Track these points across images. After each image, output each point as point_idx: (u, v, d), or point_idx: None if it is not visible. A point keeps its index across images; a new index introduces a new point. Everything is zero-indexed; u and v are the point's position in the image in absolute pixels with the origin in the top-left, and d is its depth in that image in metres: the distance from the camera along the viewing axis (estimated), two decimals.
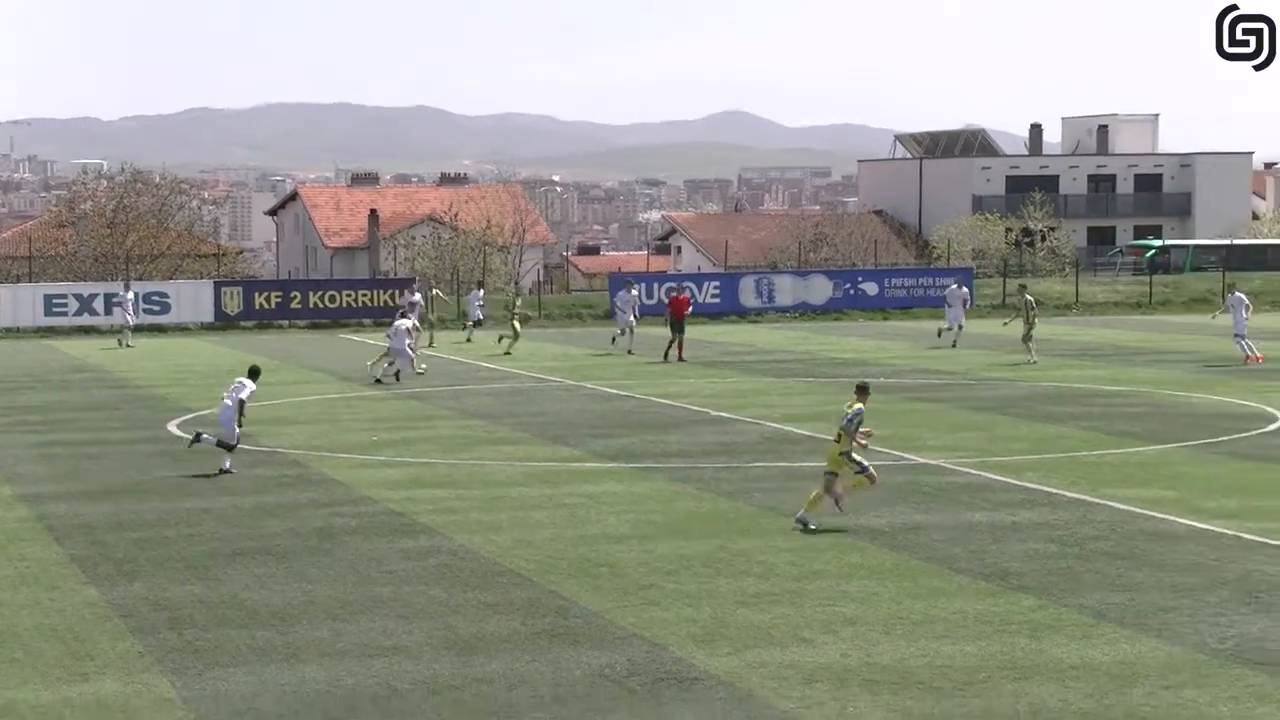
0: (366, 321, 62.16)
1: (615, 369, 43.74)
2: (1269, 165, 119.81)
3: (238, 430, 25.91)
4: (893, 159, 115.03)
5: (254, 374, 26.72)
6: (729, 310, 64.37)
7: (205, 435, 26.31)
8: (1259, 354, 42.95)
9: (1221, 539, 19.88)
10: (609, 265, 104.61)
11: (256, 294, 63.47)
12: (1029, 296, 46.14)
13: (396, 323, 40.97)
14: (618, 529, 20.98)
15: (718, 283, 66.78)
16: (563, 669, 14.52)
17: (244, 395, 25.93)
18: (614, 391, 37.97)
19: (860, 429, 20.73)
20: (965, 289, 52.89)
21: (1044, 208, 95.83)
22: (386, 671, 14.47)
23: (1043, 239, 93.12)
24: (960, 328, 50.21)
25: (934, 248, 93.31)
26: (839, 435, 20.78)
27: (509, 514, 22.11)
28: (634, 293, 51.71)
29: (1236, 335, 43.28)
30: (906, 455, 26.95)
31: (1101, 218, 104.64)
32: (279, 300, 63.12)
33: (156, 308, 60.91)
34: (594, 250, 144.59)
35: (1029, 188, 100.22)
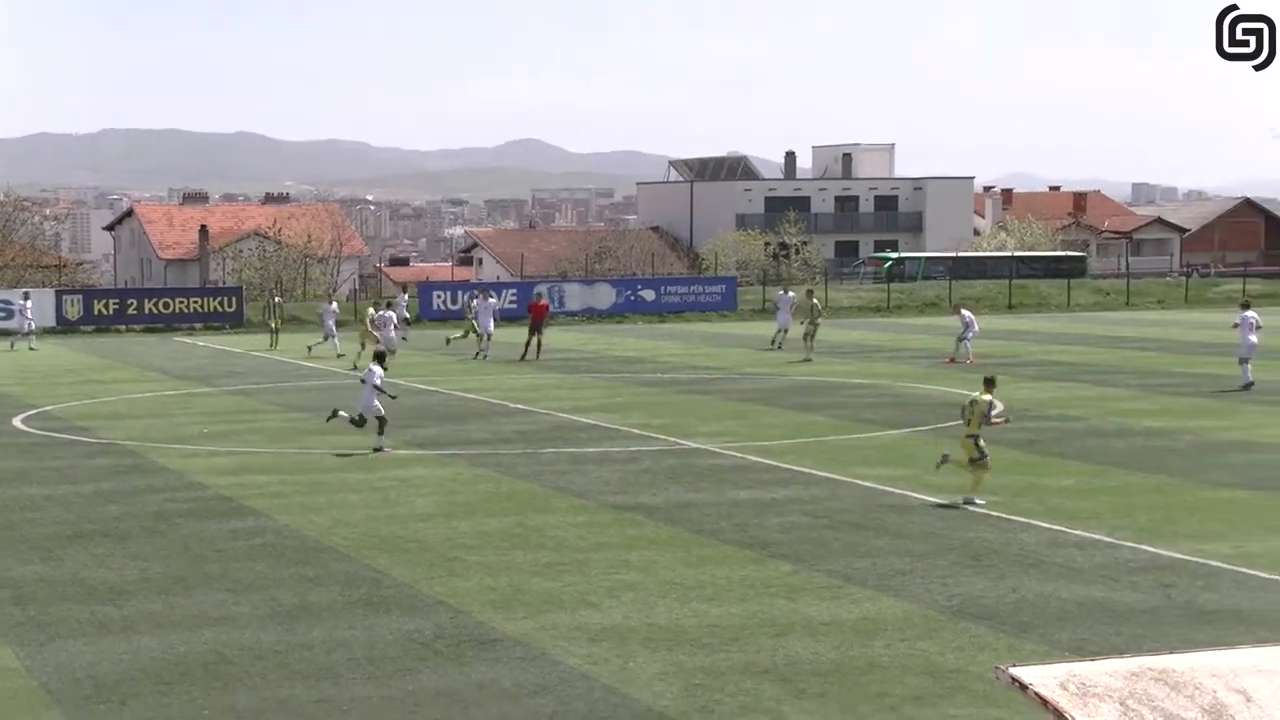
0: (197, 325, 61.09)
1: (423, 367, 43.40)
2: (987, 188, 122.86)
3: (378, 406, 26.03)
4: (668, 181, 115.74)
5: (380, 358, 27.17)
6: (523, 315, 64.17)
7: (341, 412, 26.62)
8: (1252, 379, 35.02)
9: (949, 511, 20.33)
10: (418, 275, 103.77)
11: (96, 301, 61.89)
12: (815, 301, 46.46)
13: (385, 314, 44.15)
14: (425, 509, 20.82)
15: (515, 290, 66.61)
16: (377, 634, 14.37)
17: (376, 381, 26.11)
18: (422, 387, 37.66)
19: (995, 414, 20.79)
20: (792, 294, 50.04)
21: (797, 224, 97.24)
22: (216, 640, 14.19)
23: (797, 252, 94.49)
24: (785, 332, 47.81)
25: (703, 259, 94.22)
26: (969, 420, 20.80)
27: (328, 497, 21.82)
28: (491, 300, 49.48)
29: (1241, 359, 35.48)
30: (679, 441, 27.14)
31: (847, 233, 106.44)
32: (116, 306, 61.59)
33: (2, 314, 59.09)
34: (404, 261, 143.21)
35: (785, 207, 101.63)
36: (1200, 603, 15.26)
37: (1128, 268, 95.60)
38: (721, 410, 32.14)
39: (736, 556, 17.64)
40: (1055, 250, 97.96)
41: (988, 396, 21.26)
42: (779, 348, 47.28)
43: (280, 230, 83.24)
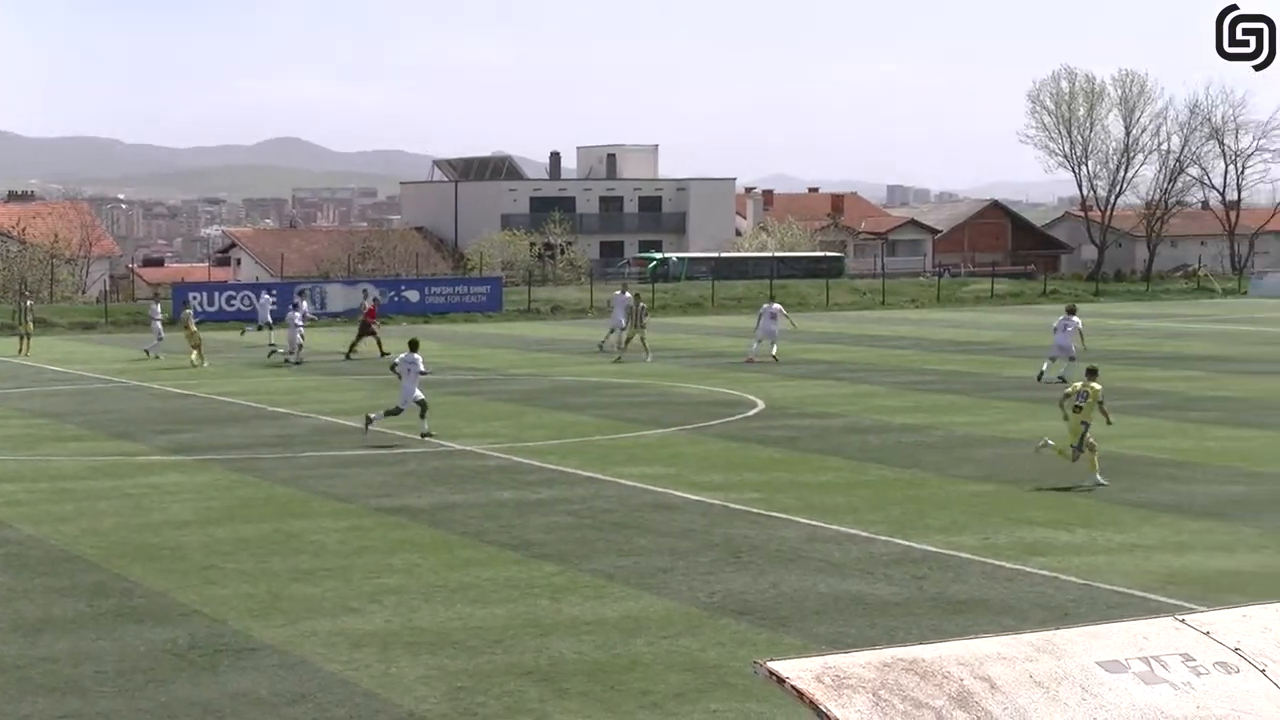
0: None
1: (180, 372, 42.35)
2: (749, 189, 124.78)
3: (418, 393, 26.94)
4: (431, 181, 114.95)
5: (414, 346, 27.71)
6: (285, 315, 63.03)
7: (373, 415, 27.32)
8: None
9: (711, 508, 20.57)
10: (173, 276, 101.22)
11: None
12: (642, 304, 46.09)
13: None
14: (180, 515, 20.30)
15: (275, 291, 65.40)
16: (127, 645, 13.95)
17: (421, 368, 27.06)
18: (177, 391, 36.75)
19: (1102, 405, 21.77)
20: (628, 295, 47.81)
21: (563, 225, 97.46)
22: None
23: (562, 252, 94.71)
24: (621, 331, 46.45)
25: (468, 260, 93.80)
26: (1077, 408, 21.71)
27: (76, 505, 21.13)
28: (304, 307, 48.15)
29: (1051, 357, 37.03)
30: (444, 442, 26.96)
31: (612, 233, 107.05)
32: None
33: None
34: (158, 262, 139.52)
35: (550, 207, 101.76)
36: (950, 594, 15.70)
37: (883, 268, 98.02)
38: (487, 411, 32.03)
39: (501, 558, 17.58)
40: (814, 251, 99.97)
41: (1098, 385, 22.13)
42: (602, 347, 46.82)
43: (24, 230, 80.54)
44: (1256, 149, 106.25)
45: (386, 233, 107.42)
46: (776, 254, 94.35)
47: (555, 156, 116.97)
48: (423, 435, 26.99)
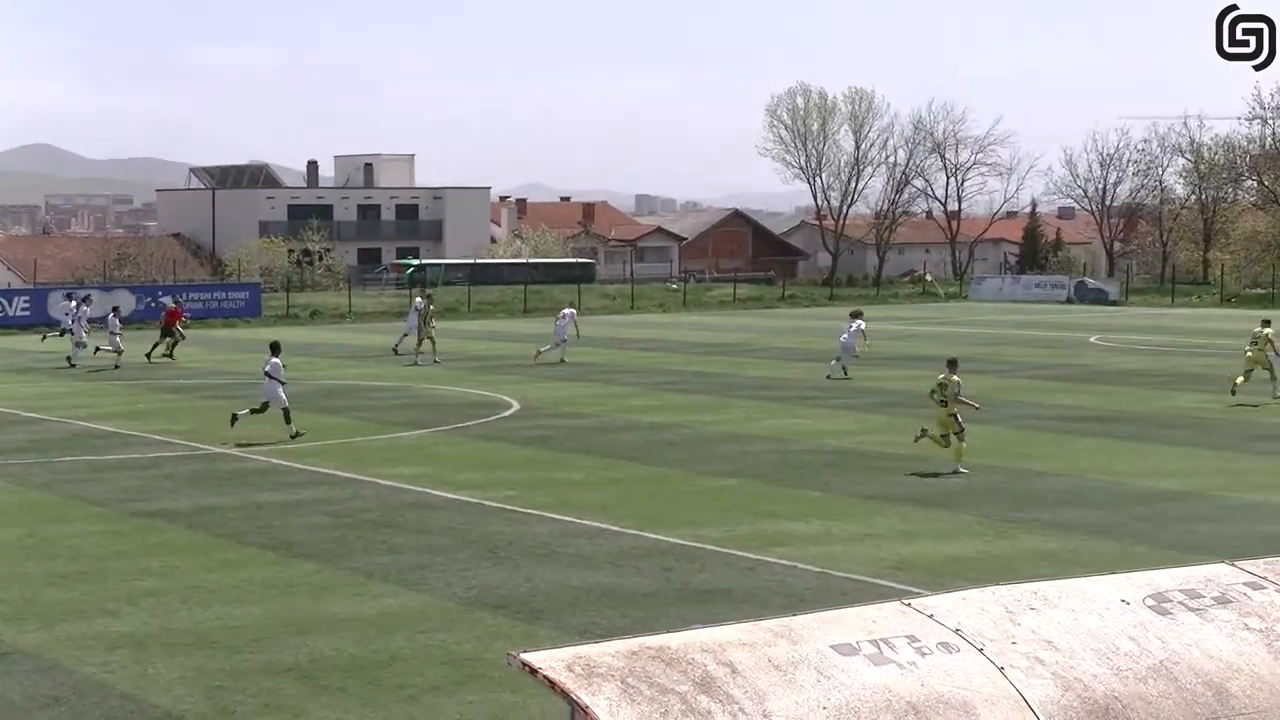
0: None
1: None
2: (503, 198, 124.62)
3: (283, 396, 26.90)
4: (189, 189, 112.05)
5: (275, 349, 27.67)
6: (38, 321, 60.83)
7: (240, 413, 27.15)
8: None
9: (468, 506, 20.47)
10: None
11: None
12: (432, 307, 45.48)
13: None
14: None
15: (27, 297, 63.10)
16: None
17: (272, 371, 26.97)
18: None
19: (960, 396, 23.02)
20: (420, 300, 46.65)
21: (321, 232, 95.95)
22: None
23: (320, 259, 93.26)
24: (406, 337, 45.64)
25: (226, 266, 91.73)
26: (944, 400, 23.07)
27: None
28: (85, 308, 46.13)
29: (838, 357, 38.28)
30: (202, 446, 26.30)
31: (369, 240, 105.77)
32: None
33: None
34: None
35: (308, 215, 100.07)
36: (696, 584, 15.90)
37: (632, 274, 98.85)
38: None
39: (260, 559, 17.22)
40: (566, 257, 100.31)
41: (956, 377, 23.47)
42: (396, 351, 46.09)
43: None
44: (975, 163, 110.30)
45: (143, 240, 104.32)
46: (530, 260, 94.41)
47: (313, 165, 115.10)
48: (292, 437, 26.61)
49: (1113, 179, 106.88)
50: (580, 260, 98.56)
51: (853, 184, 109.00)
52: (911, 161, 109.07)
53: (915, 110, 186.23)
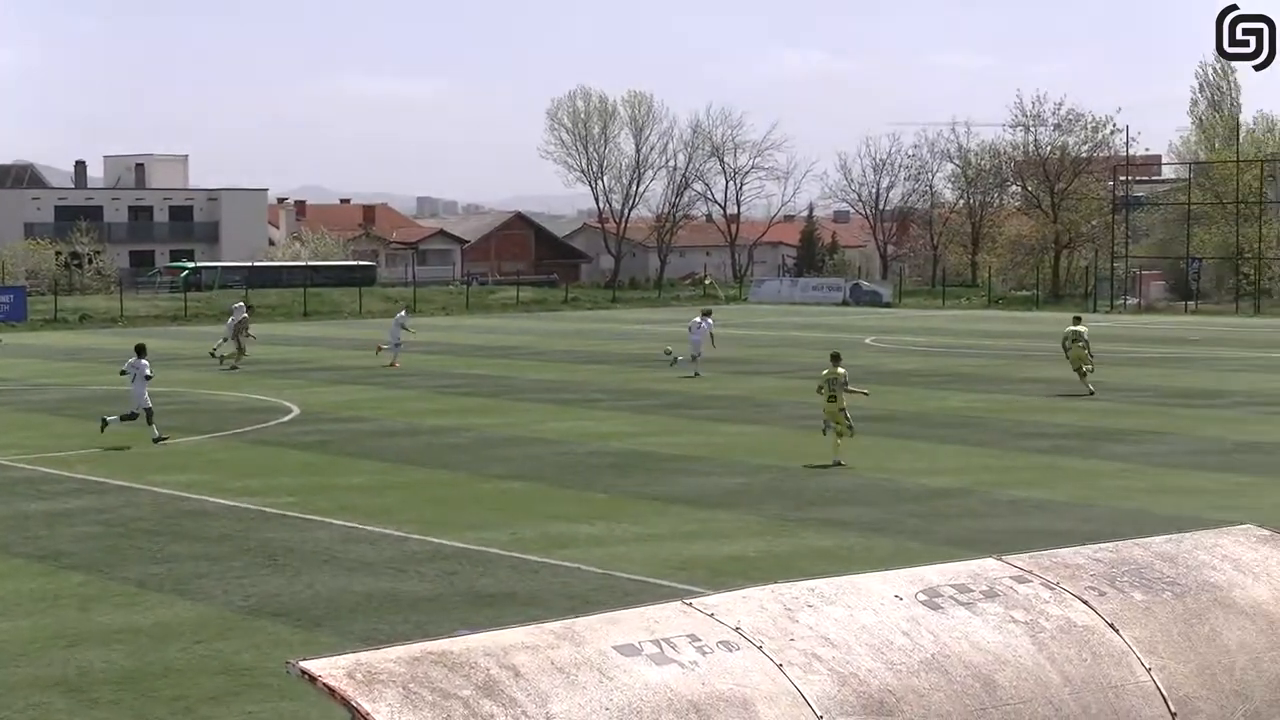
0: None
1: None
2: (281, 200, 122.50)
3: (147, 399, 26.69)
4: None
5: (141, 351, 27.38)
6: None
7: (109, 417, 26.87)
8: None
9: (246, 513, 20.07)
10: None
11: None
12: (245, 315, 44.76)
13: None
14: None
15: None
16: None
17: (148, 372, 26.88)
18: None
19: (849, 386, 24.19)
20: (242, 304, 46.77)
21: (90, 234, 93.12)
22: None
23: (90, 261, 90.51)
24: (226, 342, 44.90)
25: None
26: (833, 395, 24.10)
27: None
28: None
29: (693, 356, 39.86)
30: None
31: (142, 243, 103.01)
32: None
33: None
34: None
35: (76, 216, 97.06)
36: (480, 587, 15.84)
37: (414, 276, 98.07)
38: (13, 422, 30.28)
39: (27, 570, 16.64)
40: (347, 260, 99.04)
41: (842, 370, 24.52)
42: (213, 354, 44.99)
43: None
44: (753, 167, 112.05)
45: None
46: (310, 263, 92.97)
47: (80, 165, 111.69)
48: (155, 440, 26.40)
49: (885, 183, 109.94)
50: (361, 263, 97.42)
51: (634, 187, 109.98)
52: (691, 165, 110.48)
53: (694, 114, 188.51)
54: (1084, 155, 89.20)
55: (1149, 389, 35.60)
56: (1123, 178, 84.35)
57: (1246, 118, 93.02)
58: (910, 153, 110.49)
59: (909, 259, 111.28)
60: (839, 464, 23.85)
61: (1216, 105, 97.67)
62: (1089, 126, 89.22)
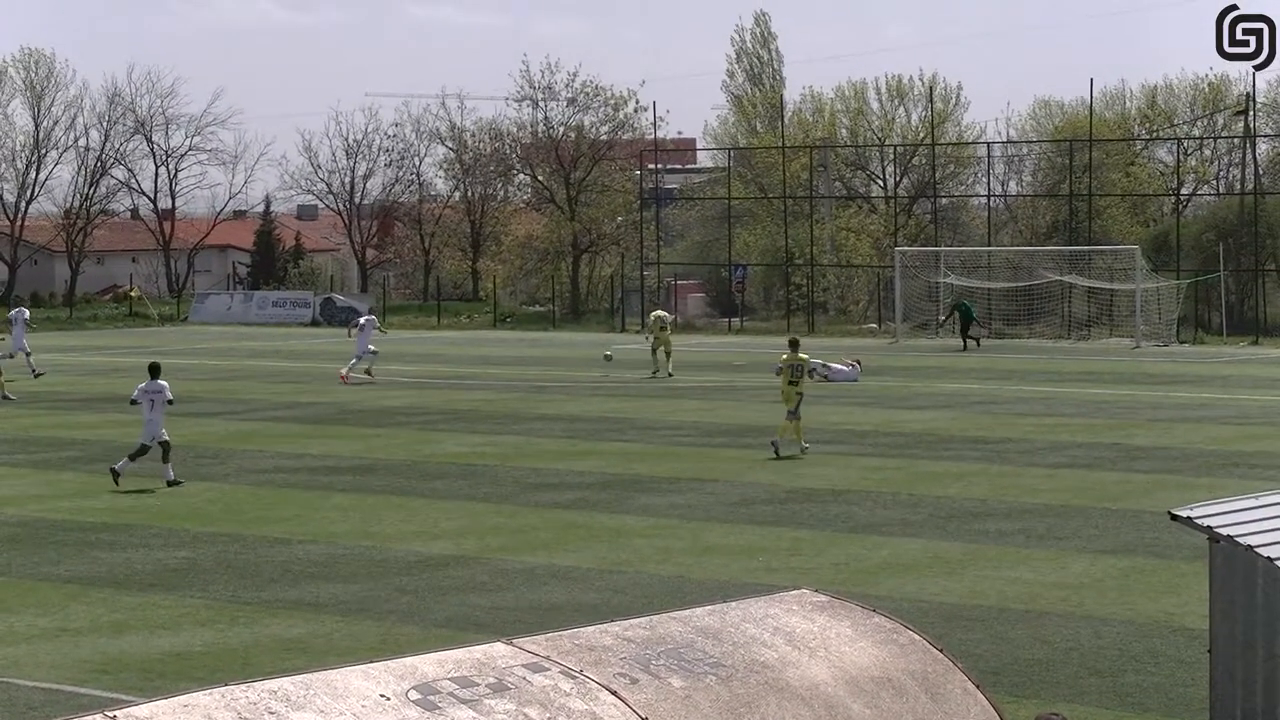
0: None
1: None
2: None
3: (163, 432, 28.04)
4: None
5: (156, 371, 28.82)
6: None
7: (117, 466, 27.85)
8: None
9: None
10: None
11: None
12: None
13: None
14: None
15: None
16: None
17: (169, 396, 28.51)
18: None
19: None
20: (22, 311, 52.37)
21: None
22: None
23: None
24: (16, 355, 48.95)
25: None
26: (793, 380, 31.59)
27: None
28: None
29: (358, 357, 47.39)
30: None
31: None
32: None
33: None
34: None
35: None
36: None
37: None
38: None
39: None
40: None
41: (804, 355, 32.65)
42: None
43: None
44: (190, 148, 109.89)
45: None
46: None
47: None
48: (169, 483, 27.68)
49: (362, 170, 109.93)
50: None
51: (33, 174, 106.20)
52: (109, 146, 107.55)
53: (110, 79, 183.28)
54: (605, 138, 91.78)
55: (687, 426, 37.08)
56: (651, 166, 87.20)
57: (792, 95, 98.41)
58: (391, 132, 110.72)
59: (395, 266, 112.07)
60: (804, 449, 31.22)
61: (756, 79, 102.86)
62: (609, 103, 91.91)
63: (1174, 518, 11.10)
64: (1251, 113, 75.21)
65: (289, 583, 20.63)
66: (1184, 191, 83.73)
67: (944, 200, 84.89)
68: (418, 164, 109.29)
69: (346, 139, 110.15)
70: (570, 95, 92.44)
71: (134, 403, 29.25)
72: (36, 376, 48.08)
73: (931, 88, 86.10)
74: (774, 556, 22.21)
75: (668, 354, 49.58)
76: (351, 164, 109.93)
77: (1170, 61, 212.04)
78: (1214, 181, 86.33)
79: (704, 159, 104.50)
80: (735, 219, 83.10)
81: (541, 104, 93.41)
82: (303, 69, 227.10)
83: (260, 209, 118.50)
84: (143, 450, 28.32)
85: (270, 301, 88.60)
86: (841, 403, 41.30)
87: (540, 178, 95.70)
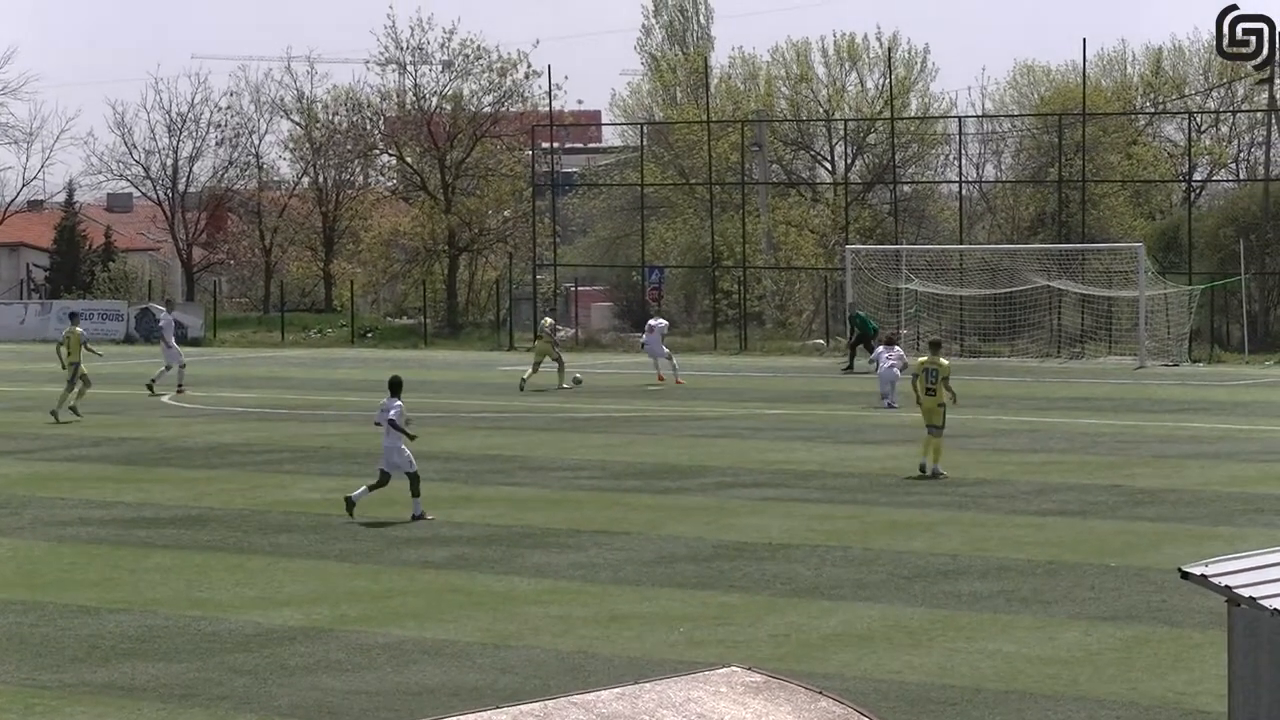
0: None
1: None
2: None
3: (409, 453, 29.73)
4: None
5: (396, 388, 30.75)
6: None
7: (353, 496, 29.66)
8: None
9: None
10: None
11: None
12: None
13: None
14: None
15: None
16: None
17: (393, 414, 29.94)
18: None
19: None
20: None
21: None
22: None
23: None
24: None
25: None
26: (931, 389, 32.85)
27: None
28: None
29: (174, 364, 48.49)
30: None
31: None
32: None
33: None
34: None
35: None
36: None
37: None
38: None
39: None
40: None
41: (944, 360, 33.65)
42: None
43: None
44: None
45: None
46: None
47: None
48: (414, 517, 29.50)
49: (188, 151, 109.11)
50: None
51: None
52: None
53: None
54: (489, 110, 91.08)
55: (590, 466, 37.04)
56: (546, 145, 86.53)
57: (720, 58, 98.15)
58: (224, 103, 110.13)
59: (230, 269, 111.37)
60: (939, 474, 33.22)
61: (678, 37, 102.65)
62: (494, 68, 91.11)
63: (1185, 576, 11.18)
64: (1278, 80, 75.42)
65: (97, 662, 20.49)
66: (1197, 177, 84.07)
67: (906, 188, 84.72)
68: (257, 143, 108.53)
69: (169, 112, 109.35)
70: (446, 58, 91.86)
71: (377, 425, 31.04)
72: None
73: (890, 49, 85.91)
74: (698, 626, 22.22)
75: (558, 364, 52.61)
76: (175, 143, 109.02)
77: (1179, 20, 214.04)
78: (1232, 165, 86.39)
79: (611, 136, 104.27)
80: (650, 210, 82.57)
81: (410, 69, 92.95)
82: (114, 26, 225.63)
83: (61, 199, 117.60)
84: (383, 482, 30.23)
85: (73, 313, 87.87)
86: (781, 436, 41.39)
87: (408, 159, 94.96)
